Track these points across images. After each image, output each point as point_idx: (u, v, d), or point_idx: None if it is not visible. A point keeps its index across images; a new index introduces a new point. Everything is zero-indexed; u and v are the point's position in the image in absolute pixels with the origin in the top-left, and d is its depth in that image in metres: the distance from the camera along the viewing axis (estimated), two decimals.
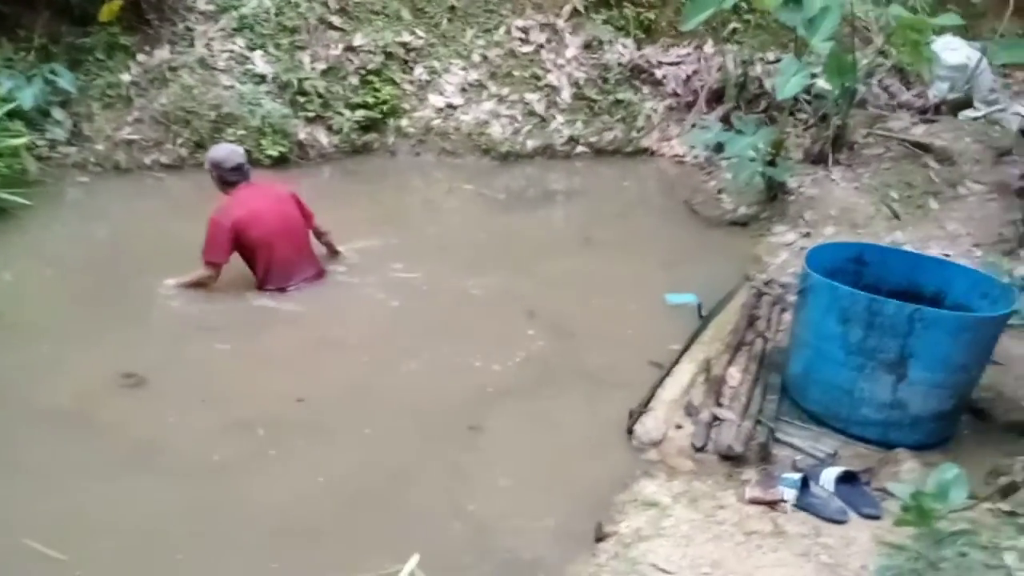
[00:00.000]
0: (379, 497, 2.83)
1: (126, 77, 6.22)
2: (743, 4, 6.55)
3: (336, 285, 4.44)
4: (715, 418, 3.14)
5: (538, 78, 7.13)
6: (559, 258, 4.98)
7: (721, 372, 3.45)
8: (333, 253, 4.69)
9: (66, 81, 5.99)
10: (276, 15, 6.62)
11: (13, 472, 2.78)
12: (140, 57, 6.32)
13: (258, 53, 6.53)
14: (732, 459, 2.95)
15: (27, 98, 5.76)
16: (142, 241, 4.86)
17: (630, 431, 3.17)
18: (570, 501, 2.82)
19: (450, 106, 7.01)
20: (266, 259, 4.17)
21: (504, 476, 2.96)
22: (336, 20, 6.84)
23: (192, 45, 6.44)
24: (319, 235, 4.61)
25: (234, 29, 6.55)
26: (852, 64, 5.37)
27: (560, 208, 6.21)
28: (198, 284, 4.13)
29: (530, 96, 7.09)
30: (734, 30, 7.24)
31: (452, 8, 7.21)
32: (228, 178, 4.21)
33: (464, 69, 7.12)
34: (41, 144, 5.91)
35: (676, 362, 3.59)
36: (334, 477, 2.91)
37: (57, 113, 6.04)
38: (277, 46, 6.59)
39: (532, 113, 7.05)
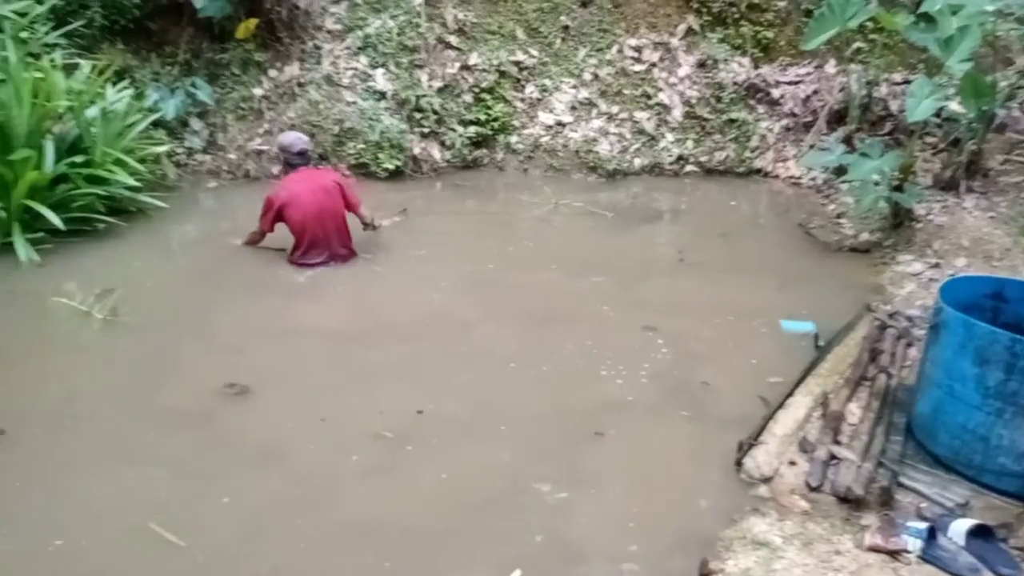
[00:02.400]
0: (495, 505, 2.83)
1: (258, 91, 6.62)
2: (869, 23, 6.27)
3: (459, 294, 4.54)
4: (833, 457, 2.99)
5: (649, 96, 7.09)
6: (669, 276, 4.93)
7: (840, 408, 3.29)
8: (368, 227, 5.14)
9: (204, 94, 6.43)
10: (398, 35, 6.88)
11: (142, 462, 2.95)
12: (272, 72, 6.71)
13: (380, 71, 6.80)
14: (851, 502, 2.80)
15: (170, 109, 6.23)
16: (262, 245, 5.12)
17: (739, 463, 3.06)
18: (674, 531, 2.75)
19: (559, 123, 7.07)
20: (299, 235, 4.70)
21: (613, 495, 2.92)
22: (454, 40, 7.04)
23: (319, 62, 6.78)
24: (363, 223, 5.08)
25: (359, 48, 6.86)
26: (991, 86, 5.05)
27: (668, 226, 6.11)
28: (250, 241, 4.91)
29: (640, 114, 7.05)
30: (858, 49, 6.94)
31: (566, 28, 7.28)
32: (292, 161, 4.79)
33: (575, 87, 7.16)
34: (180, 152, 6.38)
35: (790, 394, 3.45)
36: (455, 481, 2.94)
37: (195, 123, 6.50)
38: (397, 64, 6.85)
39: (641, 131, 7.01)
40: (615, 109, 7.07)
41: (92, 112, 5.16)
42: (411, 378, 3.65)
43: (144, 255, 4.93)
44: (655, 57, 7.20)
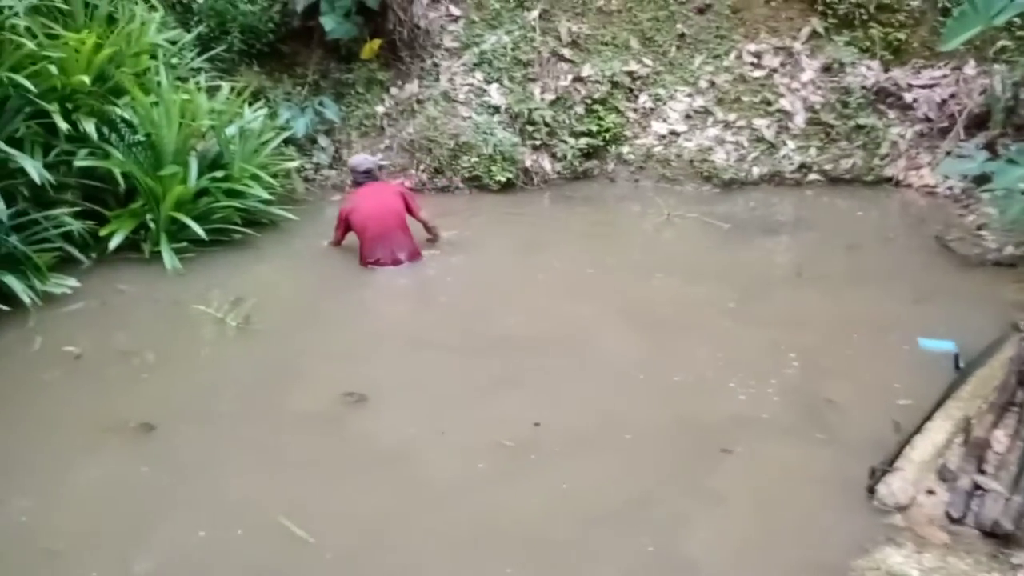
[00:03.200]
0: (613, 518, 2.80)
1: (380, 109, 6.91)
2: (1016, 19, 5.81)
3: (574, 304, 4.55)
4: (977, 487, 2.77)
5: (769, 103, 6.85)
6: (791, 289, 4.74)
7: (985, 434, 3.04)
8: (432, 240, 5.44)
9: (331, 112, 6.77)
10: (512, 50, 7.00)
11: (273, 461, 3.12)
12: (393, 91, 6.98)
13: (494, 86, 6.94)
14: (998, 537, 2.58)
15: (300, 127, 6.60)
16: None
17: (871, 489, 2.89)
18: (799, 556, 2.63)
19: (673, 133, 6.95)
20: (361, 235, 5.07)
21: (736, 515, 2.83)
22: (567, 52, 7.08)
23: (437, 79, 7.00)
24: (426, 228, 5.39)
25: (474, 64, 7.03)
26: None
27: (789, 238, 5.85)
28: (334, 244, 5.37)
29: (759, 122, 6.83)
30: (1003, 48, 6.44)
31: (681, 36, 7.17)
32: (358, 179, 5.35)
33: (690, 96, 7.03)
34: (308, 167, 6.74)
35: (928, 417, 3.23)
36: (576, 492, 2.93)
37: (322, 140, 6.85)
38: (511, 79, 6.96)
39: (760, 139, 6.79)
40: (732, 117, 6.88)
41: (231, 130, 5.55)
42: (531, 388, 3.66)
43: (275, 265, 5.23)
44: (776, 62, 6.96)
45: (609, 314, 4.41)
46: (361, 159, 5.45)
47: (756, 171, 6.67)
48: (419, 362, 3.94)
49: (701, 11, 7.20)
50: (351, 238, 5.20)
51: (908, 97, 6.68)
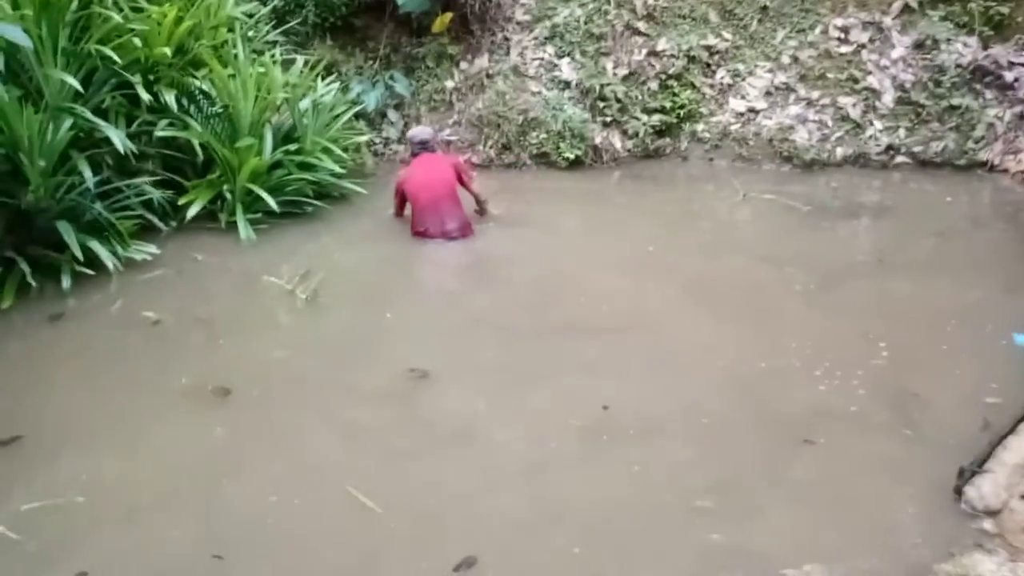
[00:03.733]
0: (684, 503, 2.72)
1: (450, 83, 6.88)
2: None
3: (643, 283, 4.45)
4: None
5: (856, 81, 6.52)
6: (873, 276, 4.50)
7: None
8: (480, 213, 5.48)
9: (401, 87, 6.78)
10: (585, 23, 6.85)
11: (343, 433, 3.14)
12: (463, 65, 6.94)
13: (565, 60, 6.81)
14: None
15: (371, 101, 6.63)
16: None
17: (958, 491, 2.73)
18: (878, 553, 2.50)
19: (751, 110, 6.70)
20: (413, 204, 5.17)
21: (813, 508, 2.71)
22: (642, 26, 6.88)
23: (508, 54, 6.91)
24: (477, 201, 5.42)
25: (546, 38, 6.91)
26: None
27: (872, 222, 5.56)
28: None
29: (844, 100, 6.51)
30: None
31: (764, 8, 6.87)
32: (415, 150, 5.36)
33: (771, 71, 6.76)
34: (377, 142, 6.78)
35: (1023, 419, 3.02)
36: (647, 476, 2.86)
37: (392, 115, 6.87)
38: (583, 53, 6.82)
39: (845, 118, 6.48)
40: (815, 94, 6.58)
41: (304, 104, 5.61)
42: (598, 370, 3.57)
43: (342, 238, 5.27)
44: (864, 38, 6.60)
45: (680, 297, 4.29)
46: (419, 130, 5.51)
47: (840, 152, 6.38)
48: (482, 340, 3.90)
49: None
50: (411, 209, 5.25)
51: (1009, 76, 6.25)
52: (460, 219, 5.14)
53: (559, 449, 3.02)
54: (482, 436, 3.10)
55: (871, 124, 6.42)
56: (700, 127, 6.76)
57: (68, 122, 4.36)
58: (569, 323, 4.01)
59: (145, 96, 4.83)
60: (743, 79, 6.77)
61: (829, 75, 6.59)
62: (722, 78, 6.80)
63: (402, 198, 5.31)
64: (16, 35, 3.64)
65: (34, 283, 4.13)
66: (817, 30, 6.73)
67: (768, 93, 6.70)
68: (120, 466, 2.88)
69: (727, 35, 6.86)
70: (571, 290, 4.42)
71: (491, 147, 6.65)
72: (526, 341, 3.86)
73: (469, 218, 5.21)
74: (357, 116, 6.43)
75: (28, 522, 2.55)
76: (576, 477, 2.87)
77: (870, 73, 6.50)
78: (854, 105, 6.47)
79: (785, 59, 6.74)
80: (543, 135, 6.52)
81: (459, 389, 3.44)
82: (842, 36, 6.66)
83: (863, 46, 6.60)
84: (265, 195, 5.13)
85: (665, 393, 3.38)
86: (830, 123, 6.50)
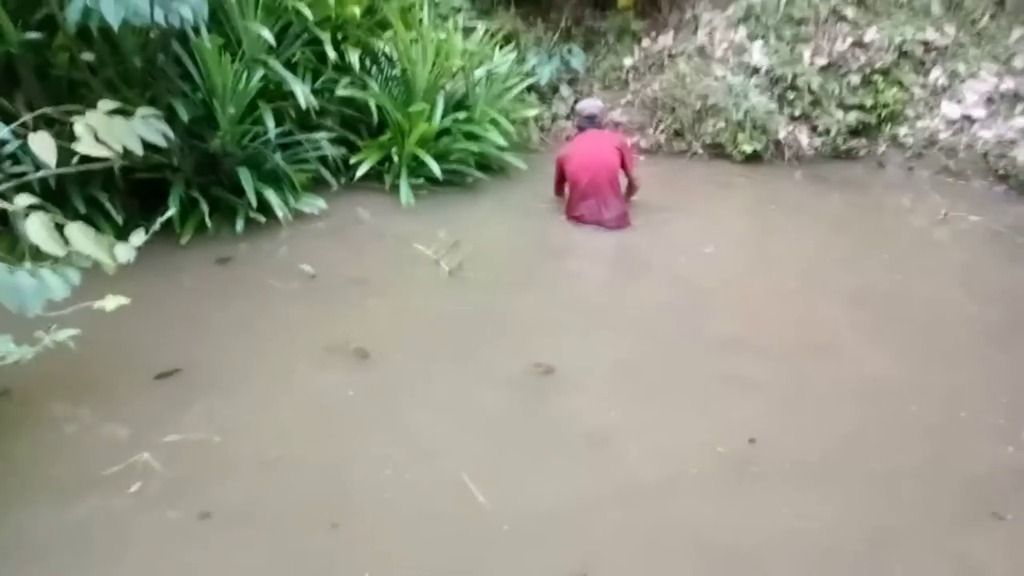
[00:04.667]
0: (838, 563, 2.40)
1: (628, 61, 6.60)
2: None
3: (815, 301, 4.07)
4: None
5: None
6: None
7: None
8: (627, 194, 5.19)
9: (578, 62, 6.60)
10: (786, 5, 6.30)
11: (469, 418, 3.04)
12: (644, 43, 6.63)
13: (757, 43, 6.32)
14: None
15: (545, 74, 6.52)
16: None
17: None
18: None
19: (967, 118, 5.91)
20: (572, 185, 4.97)
21: None
22: (851, 12, 6.23)
23: (695, 32, 6.52)
24: (630, 184, 5.18)
25: (739, 19, 6.44)
26: None
27: None
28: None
29: None
30: None
31: (1000, 3, 6.00)
32: (581, 124, 5.21)
33: (997, 76, 5.90)
34: (546, 116, 6.66)
35: None
36: (792, 523, 2.55)
37: (564, 90, 6.72)
38: (779, 37, 6.29)
39: None
40: None
41: (479, 73, 5.59)
42: (750, 396, 3.23)
43: (496, 213, 5.22)
44: None
45: (857, 323, 3.84)
46: (589, 103, 5.29)
47: None
48: (624, 343, 3.67)
49: None
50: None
51: None
52: (619, 208, 4.93)
53: (698, 475, 2.76)
54: (613, 445, 2.91)
55: None
56: (903, 131, 6.06)
57: (260, 73, 4.59)
58: (723, 337, 3.69)
59: (332, 54, 4.99)
60: (962, 81, 5.97)
61: None
62: (936, 78, 6.03)
63: (561, 175, 5.13)
64: None
65: (210, 224, 4.43)
66: None
67: (990, 100, 5.86)
68: (257, 414, 3.00)
69: (949, 30, 6.06)
70: (731, 300, 4.10)
71: (662, 132, 6.34)
72: (673, 351, 3.60)
73: (628, 209, 4.98)
74: (529, 89, 6.34)
75: (169, 453, 2.72)
76: (711, 508, 2.62)
77: None
78: None
79: (1018, 63, 5.85)
80: (720, 124, 6.12)
81: (594, 391, 3.26)
82: None
83: None
84: (431, 161, 5.18)
85: (824, 432, 3.02)
86: None
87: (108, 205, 4.25)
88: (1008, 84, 5.85)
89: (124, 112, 3.16)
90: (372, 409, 3.08)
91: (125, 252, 2.76)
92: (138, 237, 2.84)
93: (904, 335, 3.74)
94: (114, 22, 3.40)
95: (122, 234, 3.14)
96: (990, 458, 2.87)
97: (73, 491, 2.56)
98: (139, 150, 3.09)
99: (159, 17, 3.63)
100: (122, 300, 2.73)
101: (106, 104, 2.96)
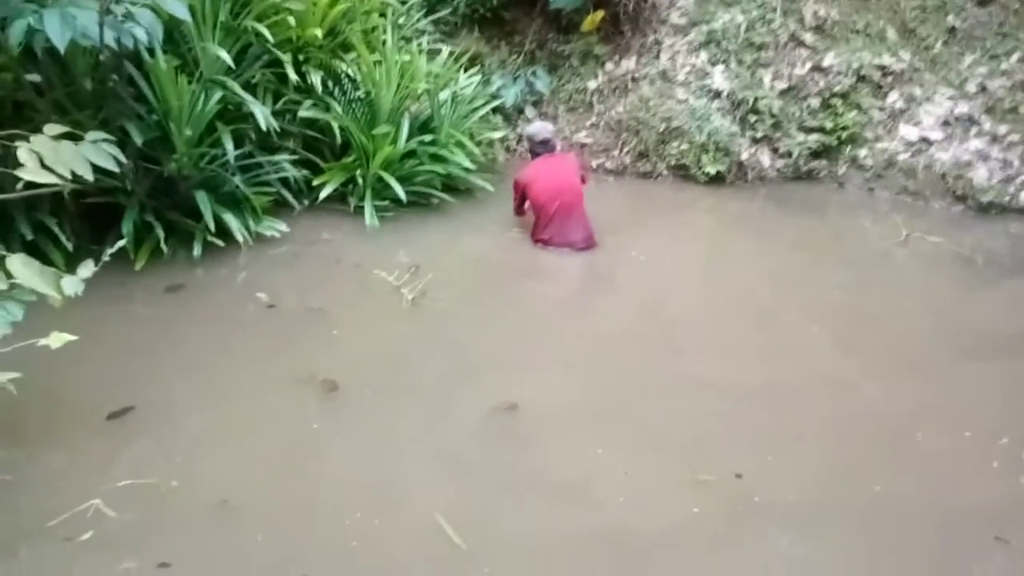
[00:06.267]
0: None
1: (592, 84, 6.61)
2: None
3: (779, 320, 4.05)
4: None
5: None
6: None
7: None
8: None
9: (542, 84, 6.59)
10: (746, 30, 6.38)
11: (440, 456, 2.90)
12: (608, 66, 6.65)
13: (719, 68, 6.38)
14: None
15: (510, 96, 6.48)
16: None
17: None
18: None
19: (925, 140, 6.03)
20: (540, 211, 4.88)
21: None
22: (808, 38, 6.33)
23: (658, 57, 6.56)
24: None
25: (701, 43, 6.49)
26: None
27: None
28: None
29: None
30: None
31: (951, 30, 6.16)
32: (536, 149, 5.07)
33: (952, 99, 6.04)
34: (511, 138, 6.62)
35: None
36: (796, 569, 2.46)
37: (529, 112, 6.70)
38: (739, 62, 6.36)
39: None
40: (1003, 129, 5.82)
41: (444, 95, 5.52)
42: (728, 433, 3.13)
43: (462, 236, 5.11)
44: None
45: (828, 350, 3.82)
46: (539, 127, 5.14)
47: None
48: (597, 378, 3.52)
49: (983, 3, 6.12)
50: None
51: None
52: (586, 229, 4.89)
53: (685, 518, 2.65)
54: (595, 487, 2.79)
55: None
56: (863, 152, 6.16)
57: (218, 95, 4.45)
58: (697, 372, 3.58)
59: (293, 76, 4.87)
60: (918, 105, 6.10)
61: (1022, 109, 5.81)
62: (894, 101, 6.16)
63: (523, 199, 5.05)
64: (177, 9, 3.71)
65: (166, 249, 4.26)
66: (1014, 58, 5.95)
67: (946, 123, 6.00)
68: (216, 454, 2.85)
69: (905, 55, 6.20)
70: (702, 330, 4.02)
71: (627, 153, 6.35)
72: (646, 387, 3.47)
73: (594, 232, 4.94)
74: (494, 110, 6.30)
75: (123, 499, 2.56)
76: (701, 555, 2.52)
77: None
78: None
79: (971, 87, 6.00)
80: (684, 145, 6.14)
81: (565, 427, 3.15)
82: None
83: None
84: (395, 183, 5.09)
85: (812, 467, 2.96)
86: (1016, 163, 5.73)
87: (57, 230, 4.06)
88: (962, 107, 5.99)
89: (73, 136, 3.02)
90: (337, 448, 2.95)
91: (72, 285, 2.60)
92: (87, 269, 2.68)
93: (875, 357, 3.74)
94: (60, 44, 3.25)
95: (72, 261, 2.99)
96: (993, 487, 2.85)
97: (17, 542, 2.38)
98: (89, 176, 2.94)
99: (109, 38, 3.49)
100: (68, 337, 2.56)
101: (53, 128, 2.81)
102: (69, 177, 2.91)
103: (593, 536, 2.56)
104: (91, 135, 3.06)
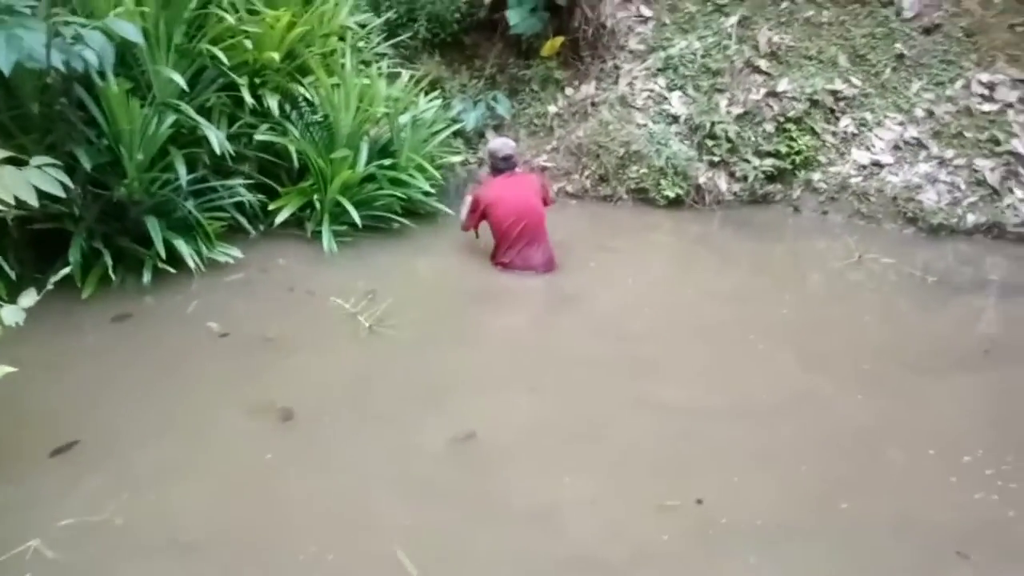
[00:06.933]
0: None
1: (552, 108, 6.67)
2: None
3: (739, 343, 4.08)
4: None
5: (997, 143, 5.91)
6: (973, 370, 3.93)
7: None
8: None
9: (503, 108, 6.61)
10: (702, 57, 6.52)
11: (399, 486, 2.83)
12: (568, 91, 6.72)
13: (676, 94, 6.49)
14: None
15: (471, 120, 6.49)
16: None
17: None
18: None
19: (876, 164, 6.19)
20: (502, 234, 4.83)
21: None
22: (763, 64, 6.49)
23: (616, 82, 6.65)
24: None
25: (658, 69, 6.61)
26: None
27: (994, 303, 4.89)
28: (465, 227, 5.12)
29: (982, 163, 5.91)
30: None
31: (900, 56, 6.36)
32: (498, 165, 5.00)
33: (901, 124, 6.22)
34: (471, 162, 6.62)
35: None
36: None
37: (490, 135, 6.71)
38: (696, 88, 6.48)
39: (981, 183, 5.87)
40: (950, 153, 6.00)
41: (404, 119, 5.50)
42: (691, 456, 3.11)
43: (422, 260, 5.10)
44: (1012, 96, 5.99)
45: (788, 371, 3.84)
46: (502, 143, 5.04)
47: (971, 219, 5.78)
48: (560, 404, 3.47)
49: (928, 31, 6.34)
50: (485, 228, 4.98)
51: None
52: (547, 252, 4.89)
53: (652, 543, 2.61)
54: (561, 514, 2.73)
55: (1010, 192, 5.79)
56: (816, 176, 6.29)
57: (171, 118, 4.37)
58: (660, 394, 3.55)
59: (249, 99, 4.81)
60: (870, 129, 6.27)
61: (967, 134, 6.01)
62: (846, 126, 6.32)
63: (481, 216, 4.93)
64: (128, 32, 3.64)
65: (115, 276, 4.14)
66: (958, 84, 6.16)
67: (896, 147, 6.17)
68: (165, 490, 2.74)
69: (856, 81, 6.38)
70: (664, 352, 3.99)
71: (587, 177, 6.39)
72: (610, 410, 3.43)
73: (555, 254, 4.94)
74: (455, 134, 6.31)
75: (64, 539, 2.44)
76: None
77: (1015, 136, 5.88)
78: (992, 169, 5.86)
79: (919, 112, 6.20)
80: (644, 169, 6.21)
81: (527, 455, 3.09)
82: (986, 93, 6.07)
83: (1010, 105, 5.99)
84: (351, 209, 5.03)
85: (780, 485, 2.95)
86: (963, 186, 5.91)
87: None
88: (911, 132, 6.17)
89: (17, 160, 2.92)
90: (292, 479, 2.86)
91: (12, 314, 2.50)
92: (29, 298, 2.58)
93: (837, 375, 3.76)
94: (4, 67, 3.16)
95: (15, 290, 2.87)
96: (952, 501, 2.87)
97: None
98: (33, 201, 2.85)
99: (57, 61, 3.40)
100: (8, 368, 2.45)
101: None
102: (12, 203, 2.81)
103: (560, 565, 2.50)
104: (36, 159, 2.97)
